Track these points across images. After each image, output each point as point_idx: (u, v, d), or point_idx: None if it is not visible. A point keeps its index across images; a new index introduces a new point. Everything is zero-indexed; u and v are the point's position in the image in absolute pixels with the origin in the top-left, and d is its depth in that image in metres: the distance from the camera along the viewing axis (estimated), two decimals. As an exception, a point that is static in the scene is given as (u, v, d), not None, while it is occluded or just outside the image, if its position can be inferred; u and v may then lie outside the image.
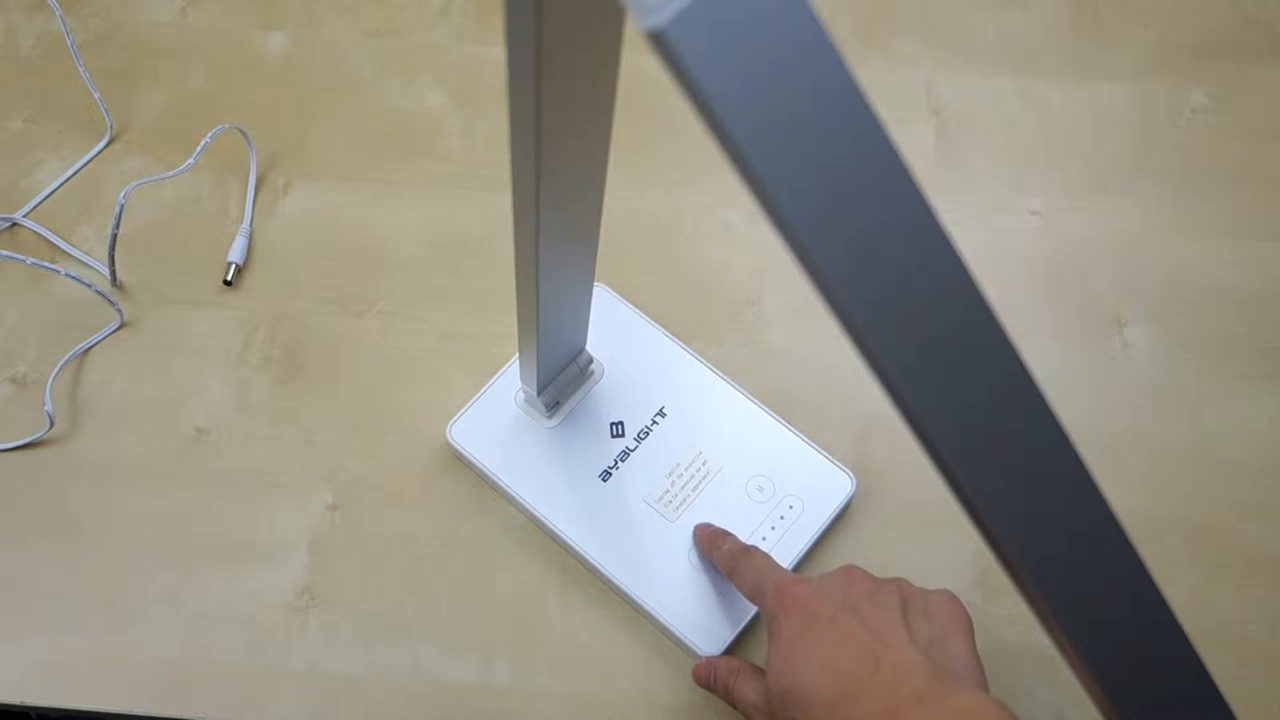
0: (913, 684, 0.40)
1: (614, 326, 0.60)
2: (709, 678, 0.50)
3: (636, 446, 0.57)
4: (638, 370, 0.59)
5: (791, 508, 0.55)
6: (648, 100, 0.67)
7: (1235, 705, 0.34)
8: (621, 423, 0.57)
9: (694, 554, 0.54)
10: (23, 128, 0.68)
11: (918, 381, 0.27)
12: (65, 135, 0.68)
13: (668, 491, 0.56)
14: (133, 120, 0.68)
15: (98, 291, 0.59)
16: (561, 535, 0.55)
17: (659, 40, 0.21)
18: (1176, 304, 0.63)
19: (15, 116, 0.69)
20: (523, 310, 0.47)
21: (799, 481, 0.56)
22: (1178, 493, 0.58)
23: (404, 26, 0.72)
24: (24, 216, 0.65)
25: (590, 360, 0.58)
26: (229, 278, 0.63)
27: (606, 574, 0.54)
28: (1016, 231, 0.65)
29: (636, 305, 0.61)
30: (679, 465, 0.56)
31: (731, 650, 0.53)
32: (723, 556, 0.51)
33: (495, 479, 0.56)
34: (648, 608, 0.53)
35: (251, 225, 0.65)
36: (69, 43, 0.65)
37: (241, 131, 0.65)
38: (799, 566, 0.55)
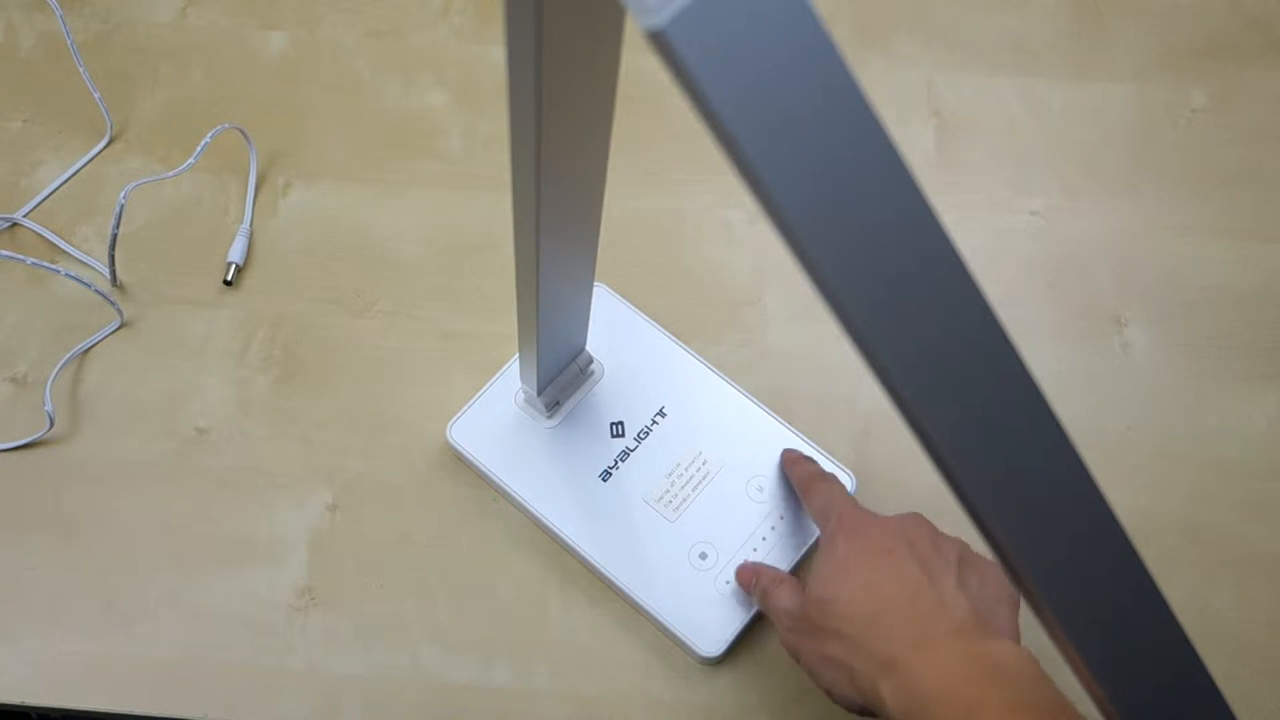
0: (952, 619, 0.42)
1: (614, 326, 0.60)
2: (751, 580, 0.51)
3: (636, 446, 0.57)
4: (638, 370, 0.59)
5: (792, 508, 0.55)
6: (648, 100, 0.67)
7: (1235, 705, 0.34)
8: (621, 423, 0.57)
9: (694, 554, 0.54)
10: (23, 128, 0.68)
11: (918, 381, 0.27)
12: (65, 135, 0.68)
13: (668, 491, 0.56)
14: (133, 120, 0.68)
15: (98, 291, 0.59)
16: (561, 535, 0.55)
17: (659, 40, 0.21)
18: (1176, 304, 0.63)
19: (15, 116, 0.69)
20: (523, 310, 0.47)
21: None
22: (1178, 493, 0.58)
23: (404, 26, 0.72)
24: (24, 216, 0.65)
25: (590, 360, 0.58)
26: (229, 278, 0.63)
27: (606, 574, 0.54)
28: (1016, 231, 0.65)
29: (636, 305, 0.61)
30: (679, 465, 0.56)
31: (732, 650, 0.53)
32: (801, 475, 0.54)
33: (495, 479, 0.56)
34: (648, 608, 0.53)
35: (251, 225, 0.65)
36: (69, 43, 0.65)
37: (241, 131, 0.65)
38: (799, 567, 0.55)
